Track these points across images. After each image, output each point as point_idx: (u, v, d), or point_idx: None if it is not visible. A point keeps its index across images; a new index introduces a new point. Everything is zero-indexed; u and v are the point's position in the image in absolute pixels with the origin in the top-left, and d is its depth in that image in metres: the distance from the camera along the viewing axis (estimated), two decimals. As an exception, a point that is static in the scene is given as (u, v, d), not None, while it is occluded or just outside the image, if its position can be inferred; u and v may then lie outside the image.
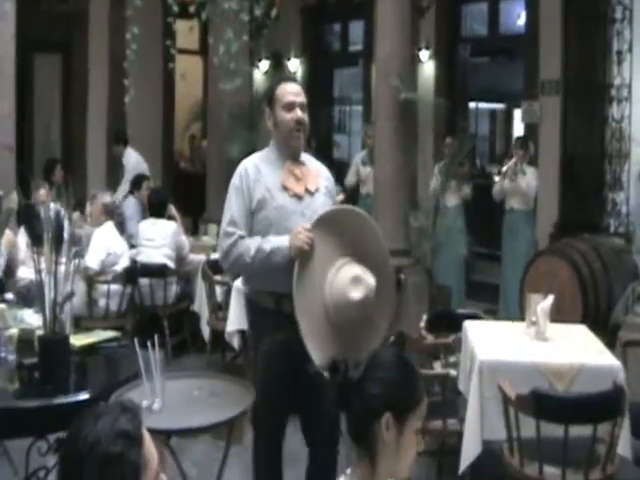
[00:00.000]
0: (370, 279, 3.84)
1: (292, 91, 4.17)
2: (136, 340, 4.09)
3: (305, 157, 4.31)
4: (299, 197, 4.10)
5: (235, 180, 4.16)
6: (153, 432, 2.07)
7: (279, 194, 4.08)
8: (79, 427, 1.94)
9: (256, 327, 4.30)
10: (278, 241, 3.96)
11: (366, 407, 2.29)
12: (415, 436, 2.33)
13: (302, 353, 3.75)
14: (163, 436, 3.76)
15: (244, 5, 8.16)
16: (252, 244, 4.02)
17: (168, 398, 3.97)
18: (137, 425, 1.96)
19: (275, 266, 3.94)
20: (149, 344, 3.97)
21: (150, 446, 1.98)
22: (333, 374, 2.42)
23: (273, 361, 4.09)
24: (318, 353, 3.75)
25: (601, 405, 4.08)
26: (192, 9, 8.43)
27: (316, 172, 4.26)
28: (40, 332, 4.09)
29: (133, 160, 10.69)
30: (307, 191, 4.13)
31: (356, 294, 3.79)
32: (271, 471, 4.30)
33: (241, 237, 4.06)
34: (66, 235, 4.23)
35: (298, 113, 4.12)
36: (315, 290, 3.86)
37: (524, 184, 9.04)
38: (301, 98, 4.17)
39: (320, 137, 11.87)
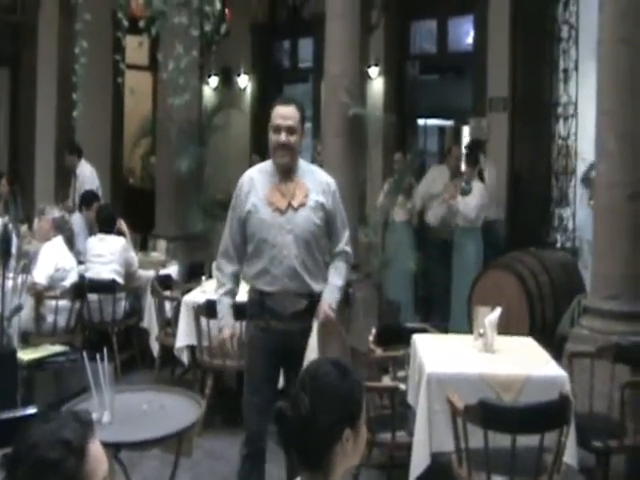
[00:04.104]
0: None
1: (281, 114, 4.47)
2: (85, 353, 4.07)
3: (304, 172, 4.60)
4: (281, 211, 4.46)
5: (236, 188, 4.62)
6: (102, 445, 2.05)
7: (264, 208, 4.48)
8: (28, 427, 1.94)
9: (248, 313, 4.68)
10: (222, 310, 4.62)
11: (325, 435, 2.23)
12: (365, 425, 2.33)
13: (280, 337, 4.45)
14: (112, 449, 3.74)
15: (194, 20, 8.12)
16: (222, 277, 4.66)
17: (117, 411, 3.96)
18: (82, 437, 1.93)
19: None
20: (98, 357, 3.96)
21: (96, 462, 1.95)
22: (281, 423, 2.27)
23: (254, 340, 4.57)
24: None
25: (548, 415, 4.13)
26: (142, 24, 8.38)
27: (306, 188, 4.51)
28: (-13, 346, 4.04)
29: (87, 172, 10.58)
30: (290, 206, 4.46)
31: None
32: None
33: (227, 256, 4.63)
34: (14, 249, 4.20)
35: (282, 137, 4.43)
36: None
37: (462, 205, 9.10)
38: (290, 122, 4.43)
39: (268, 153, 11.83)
